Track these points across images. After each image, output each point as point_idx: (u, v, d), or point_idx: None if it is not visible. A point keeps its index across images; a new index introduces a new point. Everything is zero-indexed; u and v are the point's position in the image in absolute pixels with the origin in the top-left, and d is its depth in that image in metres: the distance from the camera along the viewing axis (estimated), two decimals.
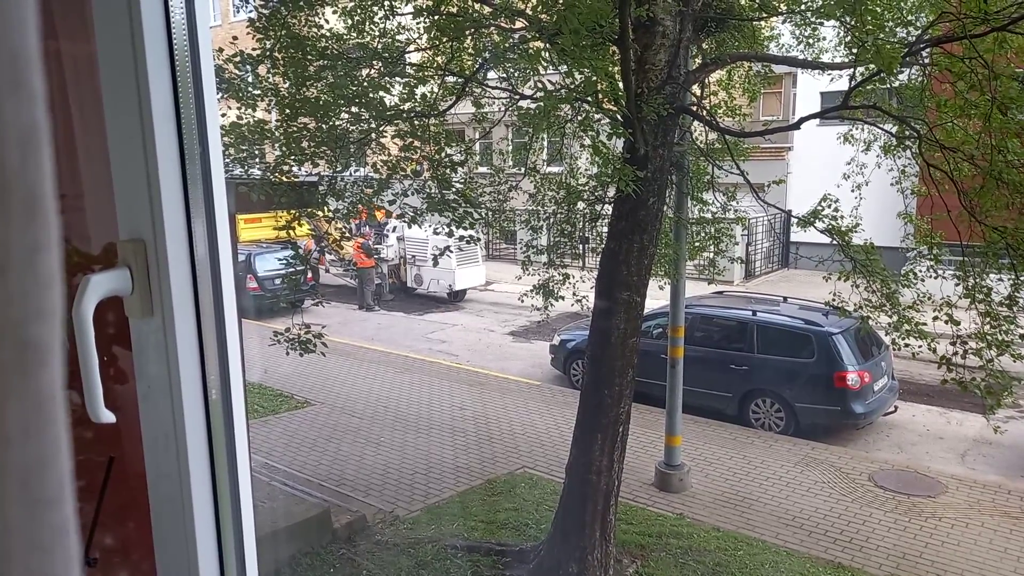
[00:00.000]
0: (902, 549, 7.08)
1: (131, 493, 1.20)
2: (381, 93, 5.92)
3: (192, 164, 0.99)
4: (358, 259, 16.72)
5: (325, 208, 6.72)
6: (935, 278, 6.38)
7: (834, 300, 6.77)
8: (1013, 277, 5.86)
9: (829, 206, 6.64)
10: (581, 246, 10.08)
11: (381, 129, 6.41)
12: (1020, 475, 8.76)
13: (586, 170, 8.31)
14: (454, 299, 17.48)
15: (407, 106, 6.24)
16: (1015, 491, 8.24)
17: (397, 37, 6.89)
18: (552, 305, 7.60)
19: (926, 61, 6.39)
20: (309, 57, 5.98)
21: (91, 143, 1.19)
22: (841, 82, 6.72)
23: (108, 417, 0.93)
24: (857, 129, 7.62)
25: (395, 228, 17.09)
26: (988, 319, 5.89)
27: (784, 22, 8.04)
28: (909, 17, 6.40)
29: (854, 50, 6.08)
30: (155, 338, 1.00)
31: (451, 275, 16.91)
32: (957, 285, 6.17)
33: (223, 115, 6.03)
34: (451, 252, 7.52)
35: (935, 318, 6.00)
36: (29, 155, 0.32)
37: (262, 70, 6.22)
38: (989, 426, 6.09)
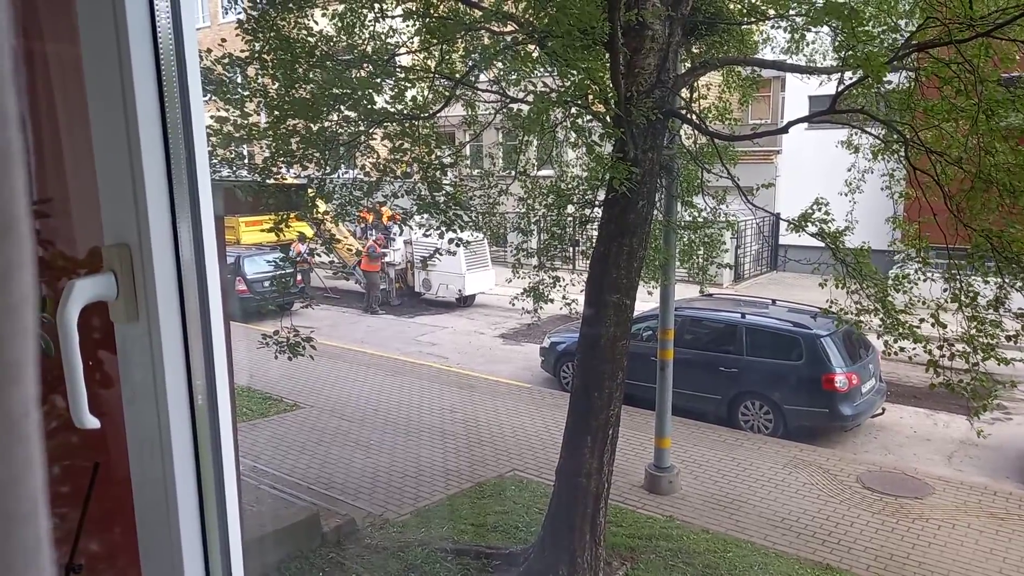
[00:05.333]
0: (889, 550, 7.12)
1: (117, 499, 1.19)
2: (371, 93, 5.90)
3: (178, 167, 0.98)
4: (365, 262, 16.45)
5: (315, 210, 6.71)
6: (923, 281, 6.43)
7: (831, 305, 6.79)
8: (999, 280, 5.91)
9: (819, 209, 6.67)
10: (571, 249, 10.10)
11: (371, 131, 6.40)
12: (1006, 476, 8.83)
13: (578, 173, 8.32)
14: (463, 304, 16.93)
15: (397, 108, 6.23)
16: (1001, 492, 8.31)
17: (387, 40, 6.88)
18: (542, 308, 7.60)
19: (914, 66, 6.44)
20: (299, 59, 5.96)
21: (77, 146, 1.18)
22: (829, 86, 6.75)
23: (92, 423, 0.93)
24: (855, 135, 7.66)
25: (402, 231, 16.81)
26: (975, 323, 5.94)
27: (773, 27, 8.08)
28: (900, 22, 6.45)
29: (842, 54, 6.12)
30: (140, 343, 0.99)
31: (461, 280, 16.36)
32: (944, 289, 6.22)
33: (211, 117, 6.01)
34: (440, 256, 7.48)
35: (922, 320, 6.04)
36: (2, 179, 0.32)
37: (251, 71, 6.19)
38: (973, 429, 6.12)
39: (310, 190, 6.51)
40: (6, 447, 0.33)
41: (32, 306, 0.33)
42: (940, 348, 5.95)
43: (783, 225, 6.92)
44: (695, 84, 7.74)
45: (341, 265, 17.14)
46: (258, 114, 6.38)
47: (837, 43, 6.49)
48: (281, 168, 6.20)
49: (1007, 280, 5.84)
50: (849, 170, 7.91)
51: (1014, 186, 5.42)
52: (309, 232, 7.91)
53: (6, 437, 0.33)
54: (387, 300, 17.22)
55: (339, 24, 6.68)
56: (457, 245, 6.85)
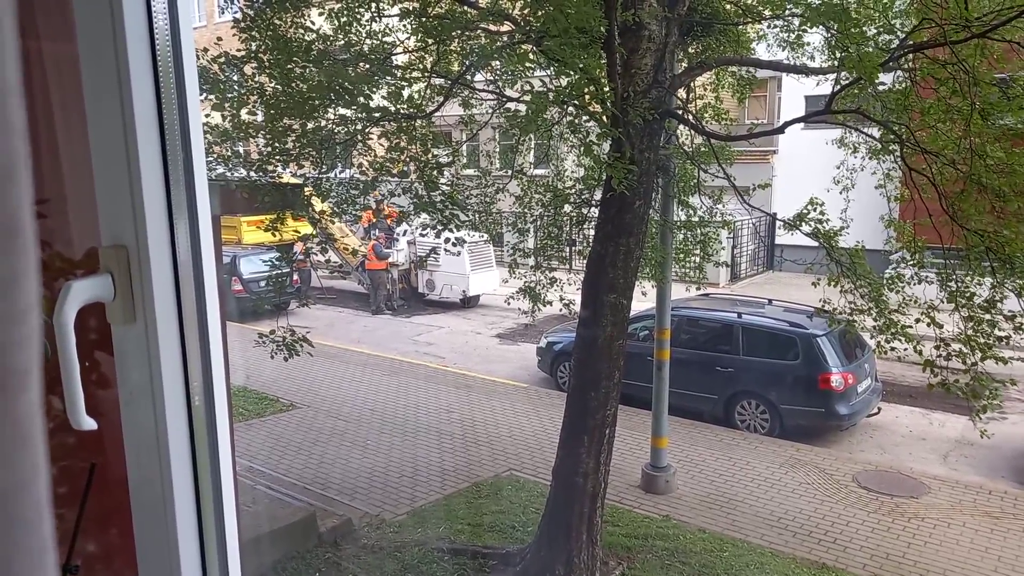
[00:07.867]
0: (885, 549, 7.13)
1: (113, 500, 1.19)
2: (366, 90, 5.88)
3: (175, 168, 0.98)
4: (370, 261, 16.32)
5: (311, 208, 6.70)
6: (918, 283, 6.44)
7: (825, 305, 6.80)
8: (993, 280, 5.92)
9: (815, 209, 6.68)
10: (568, 249, 10.10)
11: (367, 130, 6.39)
12: (1000, 476, 8.86)
13: (572, 173, 8.32)
14: (467, 305, 16.69)
15: (394, 107, 6.22)
16: (995, 491, 8.34)
17: (384, 39, 6.88)
18: (540, 309, 7.60)
19: (910, 66, 6.45)
20: (295, 58, 5.95)
21: (74, 146, 1.18)
22: (826, 86, 6.76)
23: (89, 424, 0.93)
24: (848, 133, 7.67)
25: (405, 231, 16.54)
26: (971, 323, 5.95)
27: (769, 26, 8.09)
28: (895, 22, 6.46)
29: (838, 54, 6.13)
30: (137, 344, 0.99)
31: (465, 280, 16.16)
32: (941, 290, 6.23)
33: (207, 116, 6.00)
34: (437, 254, 7.48)
35: (917, 320, 6.05)
36: (7, 188, 0.32)
37: (247, 70, 6.18)
38: (976, 429, 6.12)
39: (307, 188, 6.50)
40: (14, 454, 0.33)
41: (37, 313, 0.34)
42: (937, 348, 5.95)
43: (779, 225, 6.91)
44: (692, 84, 7.75)
45: (339, 264, 17.05)
46: (254, 114, 6.36)
47: (832, 44, 6.49)
48: (277, 166, 6.18)
49: (1000, 280, 5.85)
50: (837, 167, 7.93)
51: (1003, 189, 5.44)
52: (310, 231, 7.90)
53: (14, 444, 0.33)
54: (390, 300, 17.09)
55: (335, 23, 6.67)
56: (454, 244, 6.85)
